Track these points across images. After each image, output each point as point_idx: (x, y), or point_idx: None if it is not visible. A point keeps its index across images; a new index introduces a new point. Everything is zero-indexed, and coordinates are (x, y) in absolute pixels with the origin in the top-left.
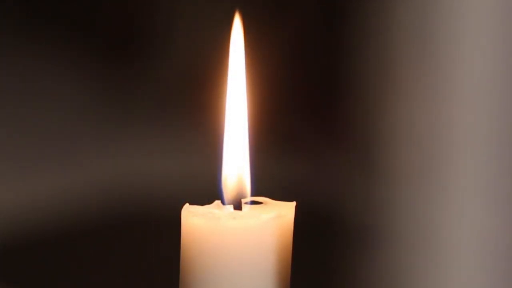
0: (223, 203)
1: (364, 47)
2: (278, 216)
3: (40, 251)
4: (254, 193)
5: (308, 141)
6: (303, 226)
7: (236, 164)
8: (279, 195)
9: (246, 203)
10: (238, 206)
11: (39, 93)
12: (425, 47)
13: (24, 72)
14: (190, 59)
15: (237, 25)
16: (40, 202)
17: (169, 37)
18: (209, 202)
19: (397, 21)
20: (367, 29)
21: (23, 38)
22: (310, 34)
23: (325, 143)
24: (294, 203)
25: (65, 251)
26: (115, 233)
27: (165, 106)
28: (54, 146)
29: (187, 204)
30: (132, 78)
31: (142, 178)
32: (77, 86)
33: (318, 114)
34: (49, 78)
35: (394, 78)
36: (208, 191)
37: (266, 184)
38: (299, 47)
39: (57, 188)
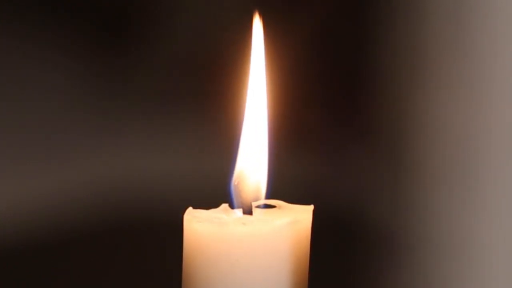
0: (231, 206)
1: (391, 35)
2: (294, 222)
3: (36, 253)
4: (268, 195)
5: (328, 138)
6: (322, 232)
7: (249, 163)
8: (295, 198)
9: (257, 206)
10: (248, 210)
11: (26, 84)
12: (461, 35)
13: (9, 60)
14: (196, 45)
15: (257, 16)
16: (35, 204)
17: (172, 19)
18: (215, 205)
19: (428, 6)
20: (394, 15)
21: (5, 22)
22: (332, 21)
23: (347, 140)
24: (311, 207)
25: (61, 254)
26: (112, 238)
27: (168, 99)
28: (46, 144)
29: (190, 208)
30: (130, 67)
31: (142, 178)
32: (69, 77)
33: (340, 108)
34: (37, 67)
35: (425, 69)
36: (214, 193)
37: (281, 186)
38: (320, 35)
39: (51, 189)
